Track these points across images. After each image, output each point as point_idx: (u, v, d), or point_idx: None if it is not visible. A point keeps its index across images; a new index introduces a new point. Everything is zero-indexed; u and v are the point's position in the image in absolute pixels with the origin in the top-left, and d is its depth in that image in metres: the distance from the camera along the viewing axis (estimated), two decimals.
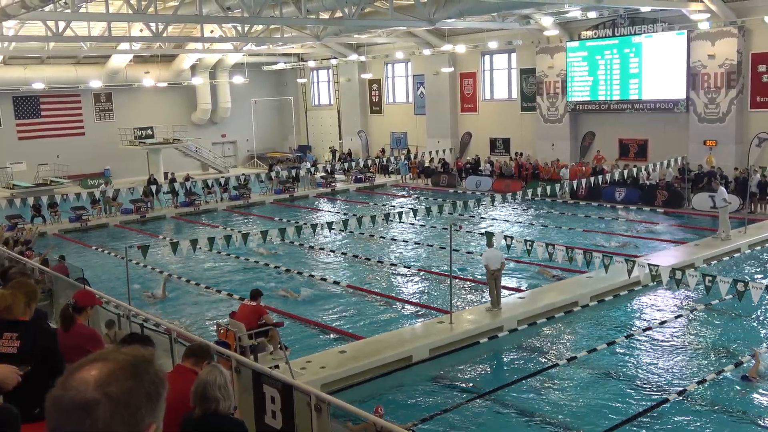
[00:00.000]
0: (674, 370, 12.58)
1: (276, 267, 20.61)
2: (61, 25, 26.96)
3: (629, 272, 14.62)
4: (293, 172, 34.31)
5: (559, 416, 10.97)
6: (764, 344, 13.31)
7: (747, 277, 16.62)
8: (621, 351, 13.61)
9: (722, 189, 21.38)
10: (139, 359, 1.75)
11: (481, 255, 17.21)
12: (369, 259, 21.19)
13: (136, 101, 43.32)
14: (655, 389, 11.81)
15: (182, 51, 39.78)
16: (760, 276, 18.06)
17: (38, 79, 37.80)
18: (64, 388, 1.68)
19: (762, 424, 10.60)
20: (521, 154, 34.07)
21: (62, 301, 10.59)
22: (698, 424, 10.58)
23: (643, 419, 10.70)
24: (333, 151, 45.11)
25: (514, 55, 35.65)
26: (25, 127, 40.48)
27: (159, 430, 1.76)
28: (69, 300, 6.89)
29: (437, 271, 19.17)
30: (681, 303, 16.17)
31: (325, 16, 26.71)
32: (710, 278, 12.92)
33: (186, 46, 38.82)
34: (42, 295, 13.89)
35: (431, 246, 22.42)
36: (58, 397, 1.68)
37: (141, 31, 31.81)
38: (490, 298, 15.20)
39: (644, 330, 14.55)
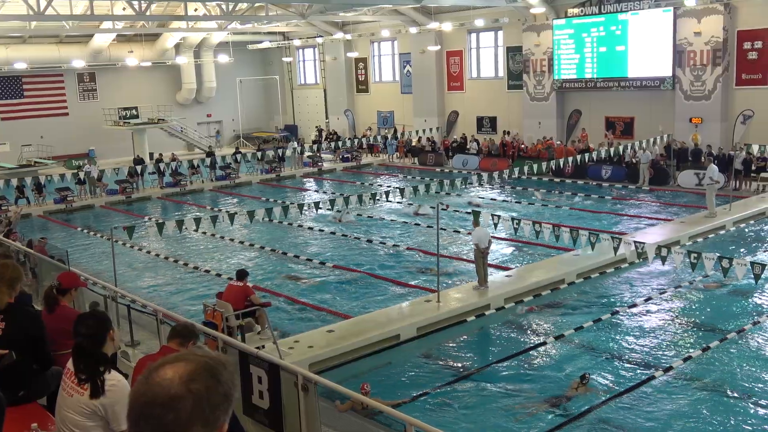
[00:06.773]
0: (660, 347, 12.68)
1: (261, 247, 20.60)
2: (43, 3, 26.58)
3: (615, 250, 14.69)
4: (279, 151, 34.10)
5: (547, 393, 11.04)
6: None
7: (732, 254, 16.73)
8: (607, 328, 13.70)
9: (713, 167, 21.19)
10: (216, 361, 1.86)
11: (469, 234, 17.23)
12: (358, 239, 21.18)
13: (120, 81, 42.86)
14: (641, 366, 11.91)
15: (166, 30, 39.34)
16: (744, 252, 18.18)
17: (20, 59, 37.28)
18: (147, 384, 1.77)
19: (745, 401, 10.71)
20: (508, 133, 34.03)
21: (46, 282, 10.51)
22: (684, 401, 10.68)
23: (630, 396, 10.79)
24: (319, 131, 44.90)
25: (500, 33, 35.49)
26: (8, 108, 40.02)
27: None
28: (53, 281, 6.83)
29: (425, 249, 19.18)
30: (666, 280, 16.27)
31: None
32: (695, 255, 12.99)
33: (170, 24, 38.40)
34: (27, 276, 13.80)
35: (418, 225, 22.43)
36: (142, 392, 1.77)
37: (124, 9, 31.42)
38: (477, 277, 15.24)
39: (630, 307, 14.64)
